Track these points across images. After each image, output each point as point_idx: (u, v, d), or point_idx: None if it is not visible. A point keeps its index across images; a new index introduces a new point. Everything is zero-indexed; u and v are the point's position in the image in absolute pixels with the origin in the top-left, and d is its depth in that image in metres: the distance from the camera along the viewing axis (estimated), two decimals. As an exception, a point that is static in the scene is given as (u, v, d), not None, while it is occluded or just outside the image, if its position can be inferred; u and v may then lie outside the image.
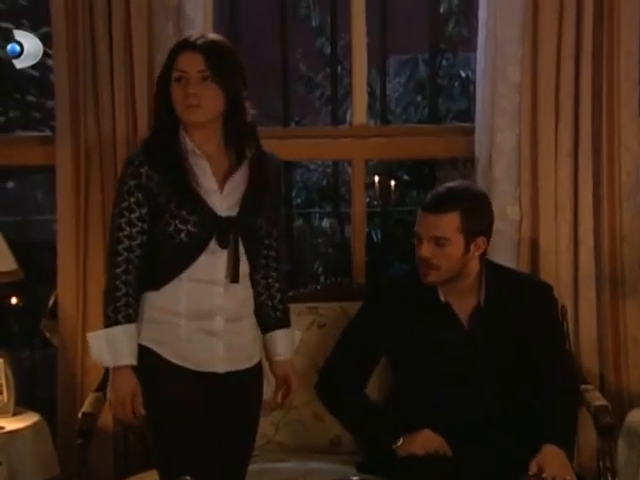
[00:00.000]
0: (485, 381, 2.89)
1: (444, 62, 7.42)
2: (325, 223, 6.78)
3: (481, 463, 2.79)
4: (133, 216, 2.53)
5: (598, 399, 3.11)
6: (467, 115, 5.84)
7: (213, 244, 2.53)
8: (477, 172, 3.52)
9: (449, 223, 2.81)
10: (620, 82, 3.40)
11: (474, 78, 3.72)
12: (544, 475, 2.66)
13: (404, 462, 2.79)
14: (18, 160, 3.76)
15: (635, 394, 3.40)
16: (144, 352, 2.56)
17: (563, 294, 3.32)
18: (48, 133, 3.57)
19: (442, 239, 2.82)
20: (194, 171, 2.53)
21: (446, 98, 7.41)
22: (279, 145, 3.70)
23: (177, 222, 2.50)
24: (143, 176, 2.53)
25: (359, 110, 3.72)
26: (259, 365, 2.70)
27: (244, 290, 2.63)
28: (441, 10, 6.48)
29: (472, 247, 2.85)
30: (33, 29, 5.40)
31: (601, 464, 2.94)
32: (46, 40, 3.47)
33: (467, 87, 7.25)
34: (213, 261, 2.54)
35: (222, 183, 2.57)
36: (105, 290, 2.56)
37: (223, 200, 2.55)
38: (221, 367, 2.60)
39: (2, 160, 3.75)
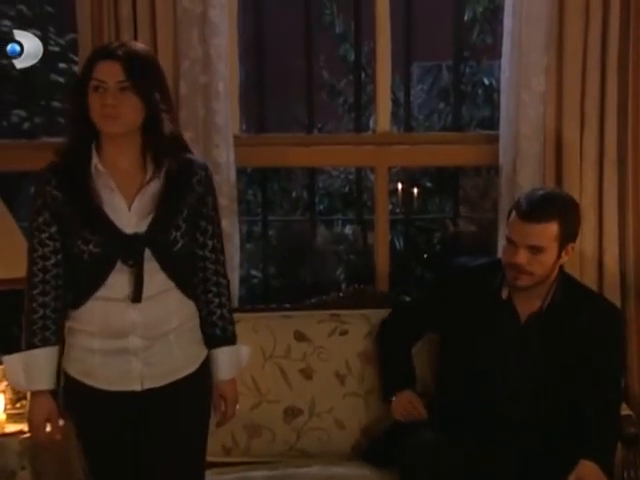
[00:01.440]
0: (527, 382, 2.90)
1: (468, 69, 7.40)
2: (348, 230, 6.77)
3: (503, 464, 2.82)
4: (44, 236, 2.47)
5: (623, 409, 3.08)
6: (490, 123, 5.83)
7: (120, 263, 2.44)
8: (501, 180, 3.51)
9: (548, 232, 2.82)
10: (646, 91, 3.38)
11: (498, 86, 3.71)
12: None
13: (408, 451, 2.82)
14: (43, 166, 3.77)
15: (660, 404, 3.38)
16: (63, 374, 2.53)
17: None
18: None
19: (540, 248, 2.82)
20: (98, 188, 2.44)
21: (469, 105, 7.40)
22: (302, 152, 3.75)
23: (80, 242, 2.43)
24: (48, 195, 2.46)
25: (383, 117, 3.73)
26: (196, 374, 2.58)
27: (166, 306, 2.51)
28: (465, 17, 6.46)
29: (563, 253, 2.88)
30: (59, 35, 5.45)
31: (625, 474, 2.92)
32: (72, 46, 3.49)
33: (491, 95, 7.23)
34: (123, 279, 2.45)
35: (132, 199, 2.47)
36: (23, 312, 2.50)
37: (131, 216, 2.45)
38: (137, 385, 2.51)
39: (27, 165, 3.76)
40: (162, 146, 2.47)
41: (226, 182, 3.45)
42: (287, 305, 3.54)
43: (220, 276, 2.62)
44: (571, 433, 2.85)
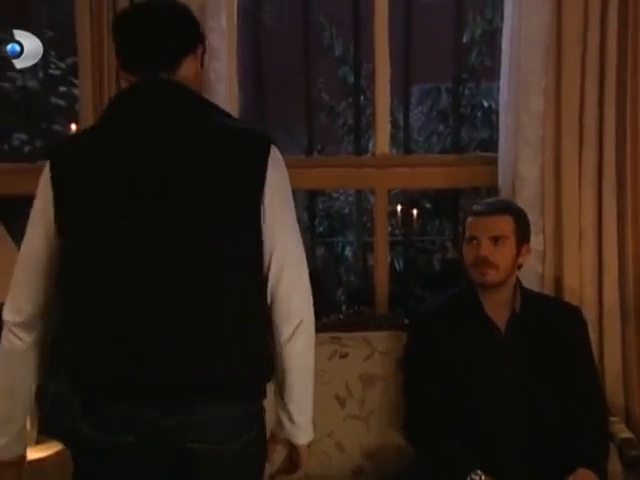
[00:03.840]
0: (519, 391, 2.92)
1: (467, 91, 7.44)
2: (348, 251, 6.79)
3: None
4: None
5: (623, 431, 3.09)
6: (489, 144, 5.85)
7: None
8: (500, 202, 3.51)
9: (507, 224, 3.00)
10: (644, 113, 3.39)
11: (497, 107, 3.71)
12: None
13: None
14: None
15: (661, 427, 3.37)
16: None
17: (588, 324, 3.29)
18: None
19: (501, 237, 2.97)
20: None
21: (468, 127, 7.43)
22: (303, 174, 3.75)
23: None
24: None
25: (382, 140, 3.74)
26: None
27: None
28: (464, 40, 6.50)
29: (522, 251, 3.02)
30: (60, 59, 5.47)
31: (627, 497, 2.91)
32: (73, 70, 3.50)
33: (489, 116, 7.27)
34: None
35: None
36: None
37: None
38: None
39: (27, 189, 3.75)
40: None
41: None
42: (287, 328, 3.53)
43: None
44: (563, 442, 2.89)
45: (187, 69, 2.24)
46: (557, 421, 2.93)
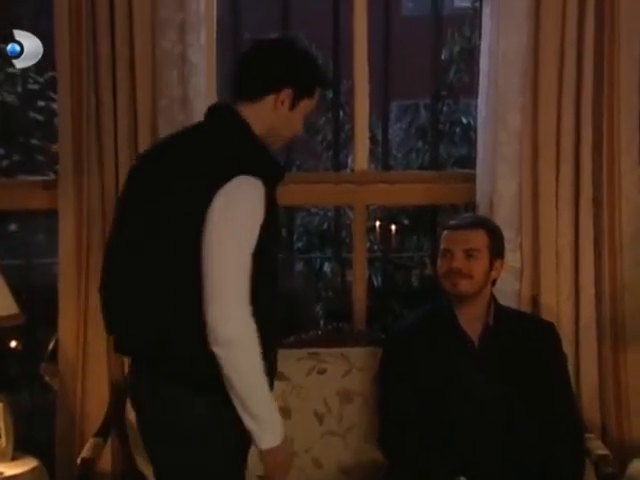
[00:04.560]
0: (494, 405, 2.94)
1: (445, 108, 7.47)
2: (326, 267, 6.78)
3: None
4: None
5: (600, 448, 3.10)
6: (468, 160, 5.88)
7: None
8: (478, 219, 3.52)
9: (480, 238, 3.05)
10: (620, 131, 3.41)
11: (475, 124, 3.74)
12: None
13: None
14: (21, 204, 3.76)
15: (637, 444, 3.38)
16: None
17: (564, 342, 3.29)
18: (52, 177, 3.58)
19: (474, 250, 3.02)
20: None
21: (447, 143, 7.46)
22: (281, 190, 3.73)
23: None
24: None
25: (360, 156, 3.74)
26: None
27: None
28: (443, 57, 6.53)
29: (494, 267, 3.06)
30: (38, 74, 5.45)
31: (603, 512, 2.92)
32: (51, 84, 3.49)
33: (468, 133, 7.30)
34: None
35: None
36: None
37: None
38: None
39: (5, 204, 3.76)
40: None
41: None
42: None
43: None
44: (540, 457, 2.92)
45: (265, 106, 2.42)
46: (534, 436, 2.94)
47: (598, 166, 3.44)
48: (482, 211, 3.50)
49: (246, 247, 2.27)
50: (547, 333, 3.12)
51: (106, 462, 3.24)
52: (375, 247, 6.32)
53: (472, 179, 3.56)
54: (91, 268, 3.42)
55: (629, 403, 3.42)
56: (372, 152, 4.32)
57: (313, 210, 7.30)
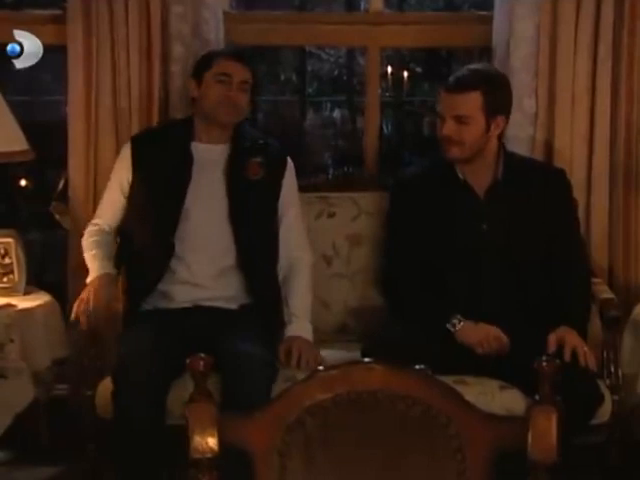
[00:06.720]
0: (499, 255, 2.96)
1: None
2: (336, 114, 6.71)
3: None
4: None
5: (605, 292, 3.12)
6: (484, 4, 5.72)
7: None
8: (494, 62, 3.44)
9: (471, 102, 2.90)
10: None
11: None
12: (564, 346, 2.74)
13: (409, 347, 2.80)
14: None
15: (643, 288, 3.41)
16: None
17: (576, 188, 3.27)
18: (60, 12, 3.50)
19: (465, 117, 2.91)
20: None
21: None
22: (294, 30, 3.68)
23: None
24: None
25: (376, -4, 3.64)
26: None
27: None
28: None
29: (492, 126, 2.94)
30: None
31: (605, 354, 2.95)
32: None
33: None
34: None
35: None
36: None
37: None
38: None
39: (11, 38, 3.67)
40: None
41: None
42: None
43: None
44: (545, 301, 2.94)
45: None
46: (539, 281, 2.96)
47: (619, 10, 3.33)
48: (498, 55, 3.43)
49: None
50: (557, 180, 3.09)
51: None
52: (387, 94, 6.24)
53: (489, 21, 3.47)
54: (100, 108, 3.39)
55: (637, 249, 3.43)
56: (387, -4, 4.20)
57: (324, 56, 7.18)
